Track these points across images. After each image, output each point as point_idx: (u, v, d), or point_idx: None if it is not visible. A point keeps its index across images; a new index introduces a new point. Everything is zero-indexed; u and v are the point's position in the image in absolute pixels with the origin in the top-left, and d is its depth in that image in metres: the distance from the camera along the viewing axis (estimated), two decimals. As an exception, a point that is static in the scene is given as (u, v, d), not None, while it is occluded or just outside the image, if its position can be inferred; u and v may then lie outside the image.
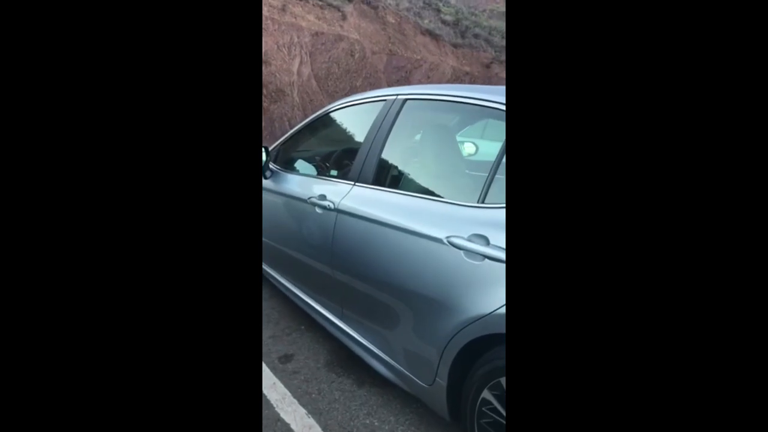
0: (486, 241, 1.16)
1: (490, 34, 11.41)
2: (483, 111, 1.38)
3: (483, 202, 1.25)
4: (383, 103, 1.74)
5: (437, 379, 1.32)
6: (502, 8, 12.77)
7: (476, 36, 11.18)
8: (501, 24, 11.88)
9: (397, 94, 1.70)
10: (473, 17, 11.75)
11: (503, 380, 1.12)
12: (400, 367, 1.48)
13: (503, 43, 11.32)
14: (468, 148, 3.07)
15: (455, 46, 10.93)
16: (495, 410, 1.17)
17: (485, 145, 3.08)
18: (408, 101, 1.64)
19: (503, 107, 1.30)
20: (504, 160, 1.25)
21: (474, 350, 1.20)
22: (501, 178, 1.27)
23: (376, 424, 1.54)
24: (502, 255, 1.11)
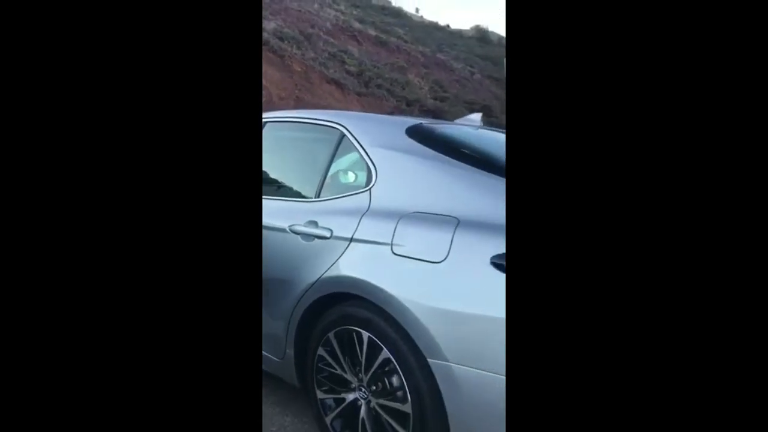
0: (316, 224, 1.46)
1: (391, 85, 12.42)
2: (317, 128, 1.71)
3: (318, 197, 1.56)
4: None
5: (287, 350, 1.54)
6: (402, 63, 14.02)
7: (379, 86, 12.10)
8: (401, 77, 13.01)
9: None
10: (376, 69, 12.74)
11: (331, 335, 1.38)
12: (264, 352, 1.67)
13: (403, 93, 12.37)
14: (350, 177, 3.44)
15: (359, 94, 11.71)
16: (328, 364, 1.42)
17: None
18: (267, 123, 1.94)
19: (333, 124, 1.65)
20: (333, 163, 1.59)
21: (312, 317, 1.45)
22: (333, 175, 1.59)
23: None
24: (326, 233, 1.41)
